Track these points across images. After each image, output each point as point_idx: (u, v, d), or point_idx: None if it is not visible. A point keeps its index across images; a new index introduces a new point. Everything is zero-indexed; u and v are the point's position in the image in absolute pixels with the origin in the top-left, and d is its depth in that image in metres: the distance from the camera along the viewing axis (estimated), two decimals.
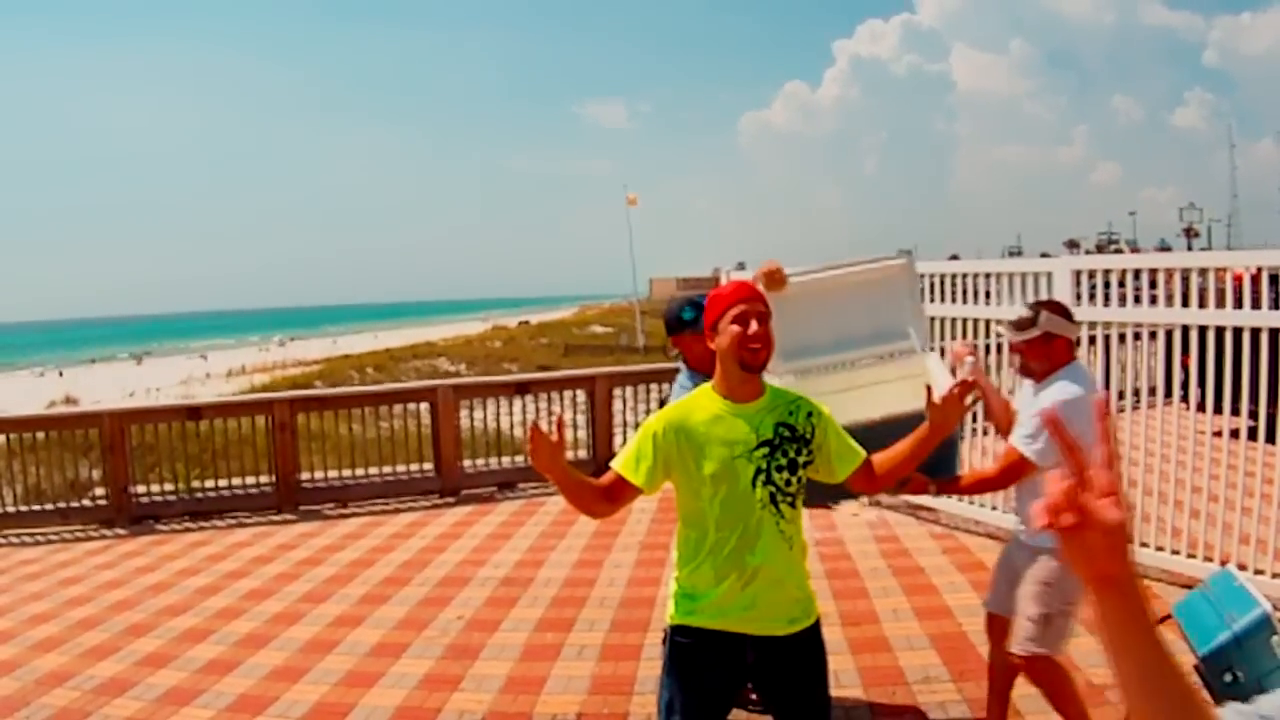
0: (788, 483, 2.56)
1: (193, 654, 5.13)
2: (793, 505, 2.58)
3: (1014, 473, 3.22)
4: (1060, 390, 3.18)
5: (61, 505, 8.51)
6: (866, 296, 3.68)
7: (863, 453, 2.69)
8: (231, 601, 6.03)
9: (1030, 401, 3.29)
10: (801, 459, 2.58)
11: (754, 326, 2.52)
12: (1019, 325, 3.30)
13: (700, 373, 3.63)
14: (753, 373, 2.56)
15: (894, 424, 3.11)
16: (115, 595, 6.30)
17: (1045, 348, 3.26)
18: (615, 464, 2.63)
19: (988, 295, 6.41)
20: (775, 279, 3.60)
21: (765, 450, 2.55)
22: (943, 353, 6.66)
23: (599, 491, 2.59)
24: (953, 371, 3.43)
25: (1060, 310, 3.32)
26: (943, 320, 6.62)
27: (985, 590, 3.70)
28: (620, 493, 2.60)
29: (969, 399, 2.65)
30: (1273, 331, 4.85)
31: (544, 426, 2.44)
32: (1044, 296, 5.90)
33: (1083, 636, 4.64)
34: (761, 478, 2.53)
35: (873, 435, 2.95)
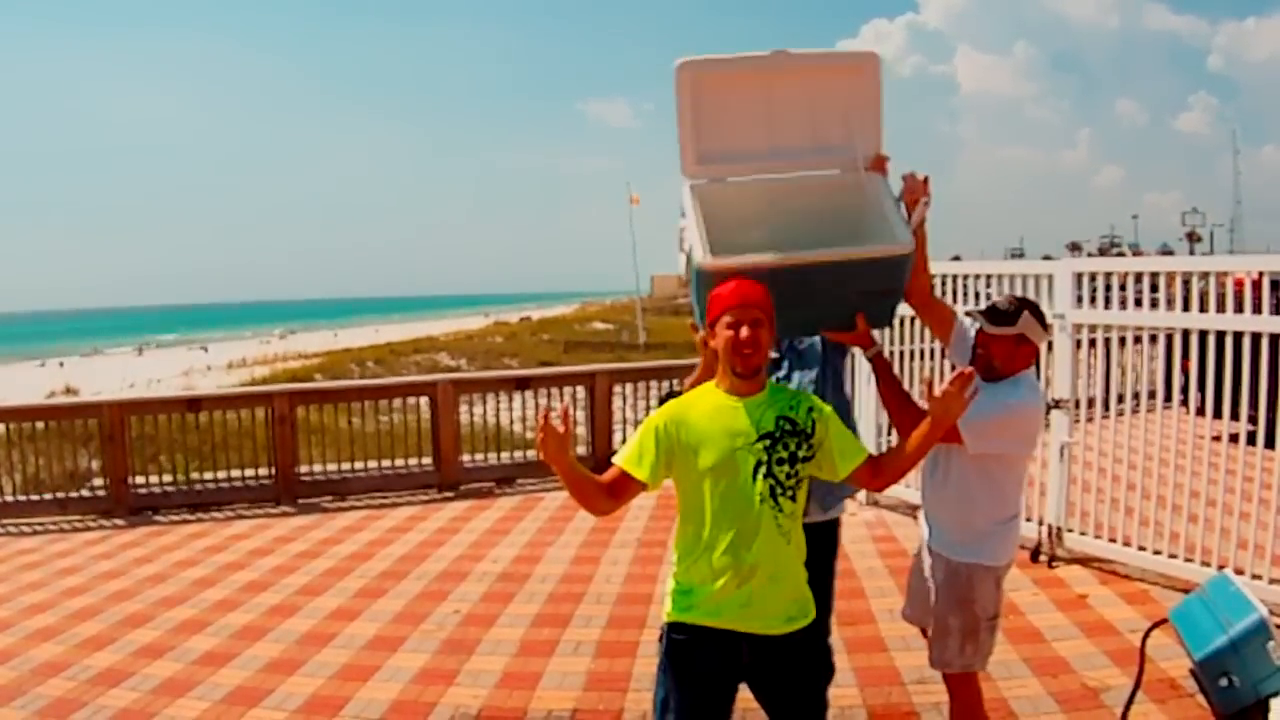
0: (788, 476, 2.56)
1: (189, 645, 5.13)
2: (792, 500, 2.58)
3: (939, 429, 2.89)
4: (1022, 399, 3.04)
5: (60, 495, 8.51)
6: (819, 96, 2.99)
7: (866, 450, 2.69)
8: (229, 593, 6.03)
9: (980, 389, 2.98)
10: (802, 453, 2.59)
11: (744, 332, 2.54)
12: (996, 318, 3.05)
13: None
14: (744, 378, 2.59)
15: (834, 274, 2.81)
16: (113, 586, 6.30)
17: (1014, 349, 3.06)
18: (618, 459, 2.64)
19: (989, 297, 6.40)
20: None
21: (766, 443, 2.56)
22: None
23: (602, 487, 2.61)
24: (907, 209, 2.97)
25: (1039, 315, 3.10)
26: None
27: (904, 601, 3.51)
28: (623, 488, 2.61)
29: (968, 391, 2.60)
30: (1273, 337, 4.84)
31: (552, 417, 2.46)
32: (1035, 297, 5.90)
33: (1079, 639, 4.67)
34: (762, 470, 2.54)
35: (811, 279, 2.80)
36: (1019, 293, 5.88)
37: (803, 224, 3.11)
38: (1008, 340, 3.05)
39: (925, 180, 3.01)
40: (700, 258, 2.79)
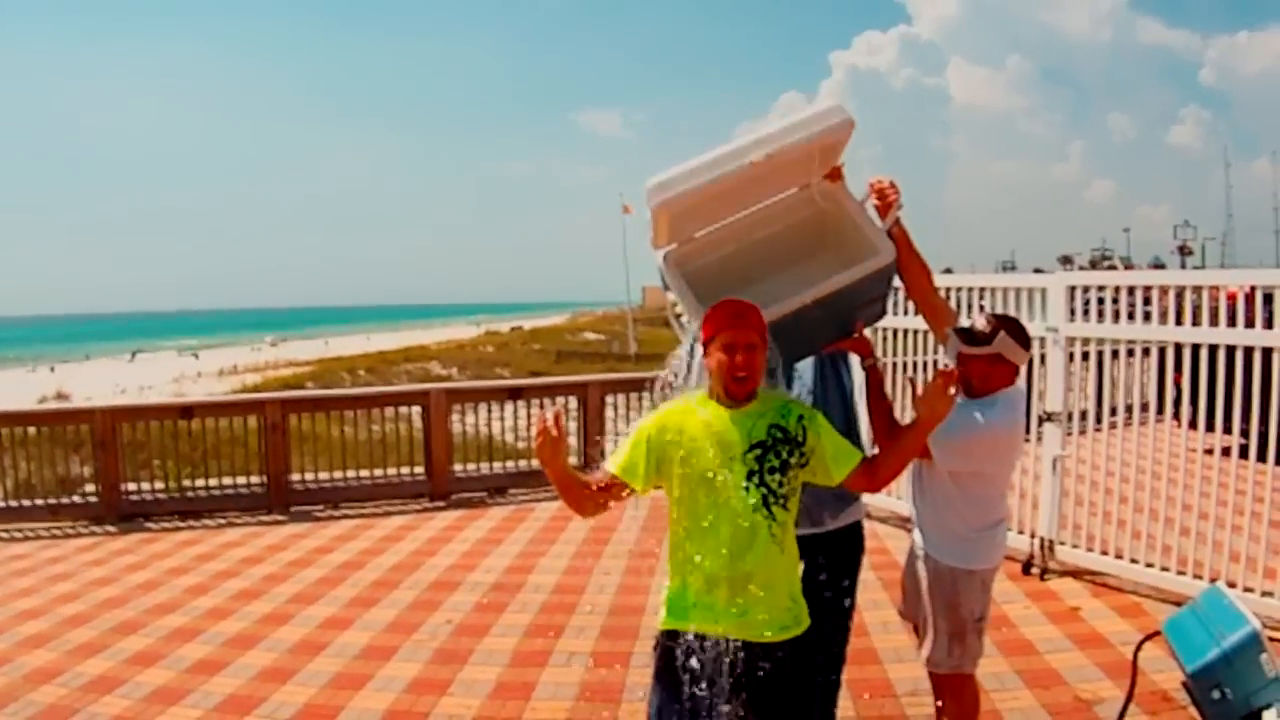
0: (780, 484, 2.57)
1: (181, 653, 5.12)
2: (785, 508, 2.59)
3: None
4: (992, 419, 3.03)
5: (52, 501, 8.49)
6: (791, 161, 2.79)
7: (860, 453, 2.70)
8: (221, 601, 6.02)
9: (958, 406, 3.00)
10: (794, 460, 2.60)
11: (739, 358, 2.55)
12: (971, 338, 3.07)
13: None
14: (738, 401, 2.61)
15: (827, 301, 2.78)
16: (105, 593, 6.28)
17: (989, 368, 3.06)
18: (608, 464, 2.66)
19: (981, 309, 6.42)
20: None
21: (758, 452, 2.57)
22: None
23: (592, 491, 2.63)
24: (880, 213, 2.94)
25: (1018, 334, 3.10)
26: None
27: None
28: (611, 492, 2.63)
29: (952, 389, 2.62)
30: (1265, 350, 4.87)
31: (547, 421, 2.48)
32: (1033, 311, 5.92)
33: (1071, 652, 4.69)
34: (754, 480, 2.55)
35: (805, 310, 2.76)
36: (1012, 306, 5.93)
37: (773, 247, 3.13)
38: (983, 360, 3.07)
39: (891, 184, 3.01)
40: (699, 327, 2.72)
